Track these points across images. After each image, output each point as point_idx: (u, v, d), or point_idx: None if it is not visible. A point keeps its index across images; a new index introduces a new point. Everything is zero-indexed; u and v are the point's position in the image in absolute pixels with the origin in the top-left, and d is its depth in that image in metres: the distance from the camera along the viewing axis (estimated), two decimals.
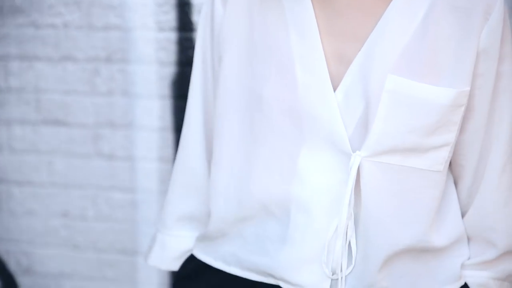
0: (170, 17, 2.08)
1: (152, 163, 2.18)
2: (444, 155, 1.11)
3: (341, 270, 1.11)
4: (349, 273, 1.12)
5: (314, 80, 1.10)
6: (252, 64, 1.15)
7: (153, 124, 2.17)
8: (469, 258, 1.21)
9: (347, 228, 1.10)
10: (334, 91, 1.10)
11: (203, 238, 1.26)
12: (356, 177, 1.09)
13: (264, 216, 1.16)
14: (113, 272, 2.26)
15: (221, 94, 1.19)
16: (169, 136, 2.15)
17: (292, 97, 1.11)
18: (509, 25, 1.12)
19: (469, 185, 1.20)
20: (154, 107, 2.15)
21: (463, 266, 1.20)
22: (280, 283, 1.15)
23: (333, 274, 1.12)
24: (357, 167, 1.08)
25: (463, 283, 1.20)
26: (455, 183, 1.21)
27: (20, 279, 2.33)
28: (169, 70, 2.11)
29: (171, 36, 2.10)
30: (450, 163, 1.19)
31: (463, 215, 1.21)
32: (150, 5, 2.08)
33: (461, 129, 1.15)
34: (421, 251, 1.14)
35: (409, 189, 1.11)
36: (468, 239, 1.22)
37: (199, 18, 1.27)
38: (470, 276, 1.21)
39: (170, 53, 2.10)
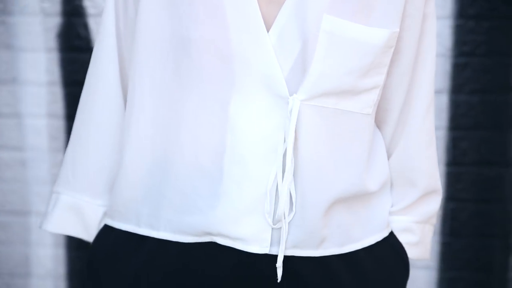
0: None
1: (41, 119, 2.10)
2: (373, 97, 1.11)
3: (284, 218, 1.08)
4: (290, 221, 1.09)
5: (246, 21, 1.06)
6: (175, 3, 1.09)
7: (40, 78, 2.09)
8: (392, 206, 1.22)
9: (287, 174, 1.07)
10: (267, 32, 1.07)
11: (118, 204, 1.18)
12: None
13: (192, 171, 1.10)
14: (4, 234, 2.20)
15: (140, 38, 1.12)
16: (58, 90, 2.08)
17: (223, 39, 1.06)
18: None
19: (393, 130, 1.21)
20: (40, 60, 2.07)
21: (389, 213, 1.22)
22: (217, 239, 1.10)
23: (274, 224, 1.09)
24: (297, 110, 1.05)
25: (390, 230, 1.21)
26: (380, 128, 1.22)
27: None
28: (55, 21, 2.03)
29: None
30: None
31: (388, 160, 1.22)
32: None
33: (388, 73, 1.15)
34: (354, 199, 1.14)
35: (342, 132, 1.10)
36: (391, 185, 1.23)
37: None
38: (393, 222, 1.22)
39: (54, 3, 2.01)
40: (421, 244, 1.25)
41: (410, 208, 1.23)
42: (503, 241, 1.99)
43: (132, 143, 1.15)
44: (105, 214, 1.23)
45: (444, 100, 1.93)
